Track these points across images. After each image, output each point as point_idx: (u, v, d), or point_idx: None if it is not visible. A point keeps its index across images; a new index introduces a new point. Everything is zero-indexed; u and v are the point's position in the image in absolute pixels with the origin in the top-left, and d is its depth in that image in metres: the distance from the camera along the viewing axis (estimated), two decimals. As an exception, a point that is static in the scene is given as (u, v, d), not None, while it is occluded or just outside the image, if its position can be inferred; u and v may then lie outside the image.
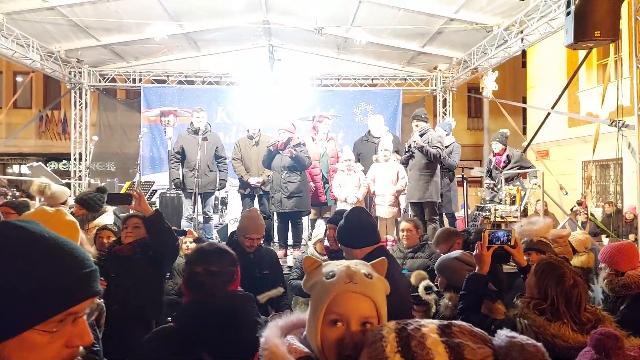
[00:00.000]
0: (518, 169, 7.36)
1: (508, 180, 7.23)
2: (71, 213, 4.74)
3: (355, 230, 2.55)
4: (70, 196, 5.29)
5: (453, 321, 1.00)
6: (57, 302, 0.84)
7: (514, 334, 0.99)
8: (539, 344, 0.98)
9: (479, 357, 0.92)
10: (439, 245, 4.10)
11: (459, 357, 0.90)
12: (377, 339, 0.97)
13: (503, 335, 0.98)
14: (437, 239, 4.18)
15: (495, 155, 7.64)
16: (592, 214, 9.12)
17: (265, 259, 3.86)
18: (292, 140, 6.56)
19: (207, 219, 7.16)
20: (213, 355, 1.74)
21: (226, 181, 7.49)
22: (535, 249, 3.48)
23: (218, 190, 7.38)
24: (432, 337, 0.94)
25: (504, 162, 7.43)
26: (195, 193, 6.78)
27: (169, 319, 2.05)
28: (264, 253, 3.93)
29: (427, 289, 3.36)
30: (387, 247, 5.38)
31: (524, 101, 15.53)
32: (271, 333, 1.13)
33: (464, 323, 1.00)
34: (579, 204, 9.29)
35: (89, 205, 4.58)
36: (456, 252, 2.74)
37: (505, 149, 7.60)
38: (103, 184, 9.38)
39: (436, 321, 1.00)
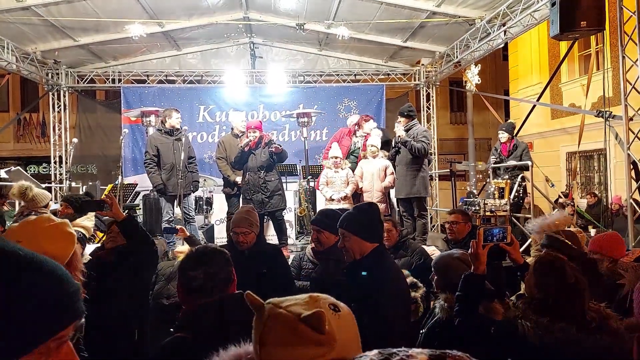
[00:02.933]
0: (519, 159, 7.47)
1: (508, 170, 7.40)
2: (56, 212, 4.69)
3: (373, 223, 2.53)
4: (51, 200, 5.22)
5: (449, 350, 0.86)
6: (42, 330, 0.76)
7: None
8: None
9: None
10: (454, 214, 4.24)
11: None
12: None
13: None
14: (457, 211, 4.31)
15: (502, 144, 7.81)
16: (578, 206, 9.18)
17: (264, 257, 3.59)
18: (263, 139, 6.45)
19: (188, 220, 7.01)
20: None
21: (198, 182, 7.29)
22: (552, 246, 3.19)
23: (193, 192, 7.16)
24: None
25: (509, 151, 7.66)
26: (180, 195, 6.63)
27: (172, 329, 1.96)
28: (264, 250, 3.70)
29: (412, 285, 3.34)
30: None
31: (506, 94, 15.62)
32: None
33: (461, 353, 0.86)
34: (565, 195, 9.34)
35: (77, 207, 4.58)
36: (454, 252, 2.68)
37: (513, 139, 7.85)
38: (86, 187, 9.22)
39: (427, 350, 0.86)
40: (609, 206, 8.83)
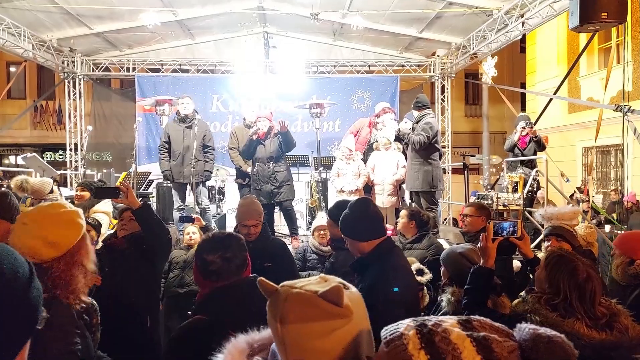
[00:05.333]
0: (534, 151, 7.38)
1: (524, 162, 7.35)
2: (76, 197, 4.78)
3: (363, 222, 2.43)
4: (55, 184, 5.35)
5: (472, 316, 0.95)
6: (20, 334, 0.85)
7: (535, 326, 0.94)
8: (563, 336, 0.94)
9: (507, 350, 0.87)
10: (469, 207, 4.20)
11: (487, 351, 0.85)
12: (395, 337, 0.89)
13: (525, 328, 0.94)
14: (473, 204, 4.29)
15: (521, 137, 7.66)
16: (593, 202, 9.05)
17: (269, 250, 3.58)
18: (272, 129, 6.41)
19: (203, 210, 7.03)
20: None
21: (211, 172, 7.14)
22: (555, 234, 3.25)
23: (203, 182, 7.08)
24: (455, 332, 0.88)
25: (527, 142, 7.58)
26: (190, 183, 6.66)
27: (189, 312, 2.02)
28: (269, 243, 3.69)
29: (419, 271, 3.40)
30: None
31: (523, 87, 15.40)
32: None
33: (483, 317, 0.95)
34: (580, 190, 9.21)
35: (92, 190, 4.70)
36: (463, 246, 2.65)
37: (528, 134, 7.71)
38: (100, 174, 9.33)
39: (454, 317, 0.94)
40: (624, 203, 8.69)
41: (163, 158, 6.83)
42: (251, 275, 2.10)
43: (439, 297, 2.60)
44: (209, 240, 2.17)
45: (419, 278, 3.34)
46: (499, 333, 0.90)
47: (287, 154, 6.70)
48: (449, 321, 0.90)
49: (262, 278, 1.08)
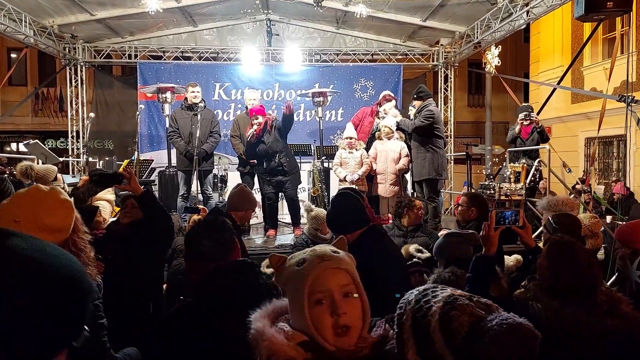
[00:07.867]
0: (536, 142, 7.36)
1: (527, 153, 7.32)
2: (81, 185, 4.77)
3: (342, 216, 2.61)
4: (57, 172, 5.30)
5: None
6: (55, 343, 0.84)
7: (508, 316, 1.06)
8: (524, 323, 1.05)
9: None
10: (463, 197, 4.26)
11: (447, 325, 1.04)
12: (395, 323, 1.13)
13: (501, 316, 1.06)
14: (465, 194, 4.29)
15: (523, 127, 7.59)
16: (594, 192, 9.05)
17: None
18: (268, 123, 6.28)
19: (207, 198, 7.04)
20: (238, 320, 1.73)
21: (207, 152, 6.98)
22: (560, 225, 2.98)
23: (209, 169, 7.15)
24: (434, 307, 1.10)
25: (530, 133, 7.51)
26: (192, 170, 6.66)
27: (181, 297, 2.03)
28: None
29: (418, 251, 3.54)
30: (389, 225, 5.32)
31: (526, 77, 15.32)
32: (261, 323, 1.17)
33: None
34: (582, 181, 9.20)
35: (95, 180, 4.67)
36: (444, 232, 2.73)
37: (531, 124, 7.65)
38: (102, 162, 9.33)
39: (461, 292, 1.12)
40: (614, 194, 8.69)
41: (179, 140, 6.79)
42: (240, 259, 2.12)
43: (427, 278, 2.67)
44: (196, 226, 2.24)
45: (418, 255, 3.56)
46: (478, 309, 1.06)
47: (289, 142, 6.68)
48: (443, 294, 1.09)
49: (274, 253, 1.26)
